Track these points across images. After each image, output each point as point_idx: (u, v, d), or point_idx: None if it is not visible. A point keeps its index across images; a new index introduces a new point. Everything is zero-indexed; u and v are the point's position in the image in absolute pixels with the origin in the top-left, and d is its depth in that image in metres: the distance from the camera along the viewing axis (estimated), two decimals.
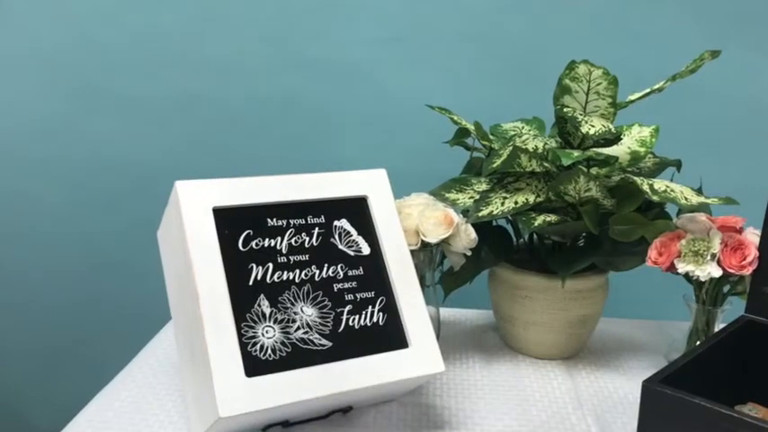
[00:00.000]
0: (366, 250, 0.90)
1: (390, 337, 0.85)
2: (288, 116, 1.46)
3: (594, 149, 0.97)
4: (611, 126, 0.93)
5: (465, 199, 1.01)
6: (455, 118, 1.10)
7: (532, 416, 0.93)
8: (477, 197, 0.99)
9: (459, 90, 1.39)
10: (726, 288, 0.98)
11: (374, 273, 0.88)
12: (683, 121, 1.36)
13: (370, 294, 0.87)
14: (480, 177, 1.04)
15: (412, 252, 0.98)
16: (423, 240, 0.97)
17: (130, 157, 1.49)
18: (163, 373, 1.00)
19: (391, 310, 0.87)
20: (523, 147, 0.95)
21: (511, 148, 0.94)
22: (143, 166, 1.49)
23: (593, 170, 1.03)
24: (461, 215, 1.00)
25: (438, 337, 1.06)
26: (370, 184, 0.93)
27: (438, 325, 1.06)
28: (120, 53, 1.44)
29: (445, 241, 0.99)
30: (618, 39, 1.35)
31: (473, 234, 0.99)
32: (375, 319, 0.86)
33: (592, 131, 0.91)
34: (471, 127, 1.07)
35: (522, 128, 1.13)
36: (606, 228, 0.97)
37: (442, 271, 1.09)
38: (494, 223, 1.09)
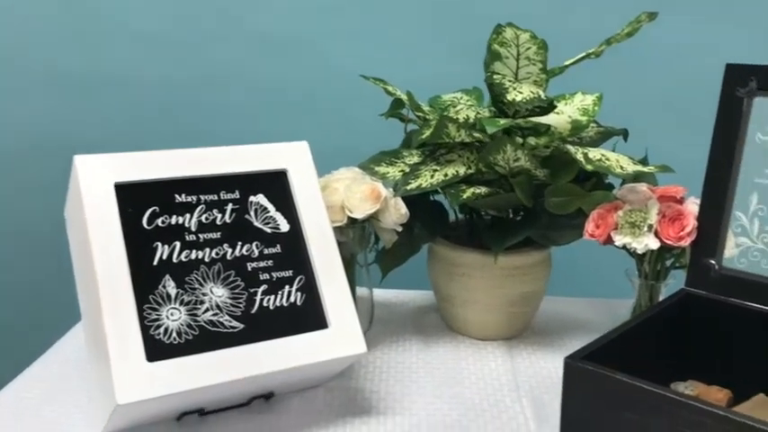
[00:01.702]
0: (284, 227, 0.87)
1: (309, 317, 0.83)
2: (227, 90, 1.42)
3: (526, 118, 0.95)
4: (540, 92, 0.91)
5: (395, 172, 0.98)
6: (390, 88, 1.07)
7: (465, 398, 0.90)
8: (408, 170, 0.96)
9: (407, 61, 1.36)
10: (669, 261, 0.96)
11: (293, 251, 0.86)
12: (636, 91, 1.34)
13: (288, 273, 0.84)
14: (412, 150, 1.01)
15: (341, 229, 0.96)
16: (349, 216, 0.94)
17: (61, 137, 1.44)
18: (77, 363, 0.97)
19: (310, 289, 0.84)
20: (453, 117, 0.92)
21: (438, 117, 0.91)
22: (76, 146, 1.44)
23: (531, 140, 1.00)
24: (392, 189, 0.97)
25: (371, 319, 1.04)
26: (291, 156, 0.90)
27: (371, 307, 1.04)
28: (49, 25, 1.40)
29: (374, 217, 0.96)
30: (571, 4, 1.32)
31: (403, 209, 0.96)
32: (292, 300, 0.83)
33: (519, 98, 0.88)
34: (405, 97, 1.04)
35: (461, 98, 1.10)
36: (543, 200, 0.95)
37: (377, 250, 1.06)
38: (431, 198, 1.07)
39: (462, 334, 1.07)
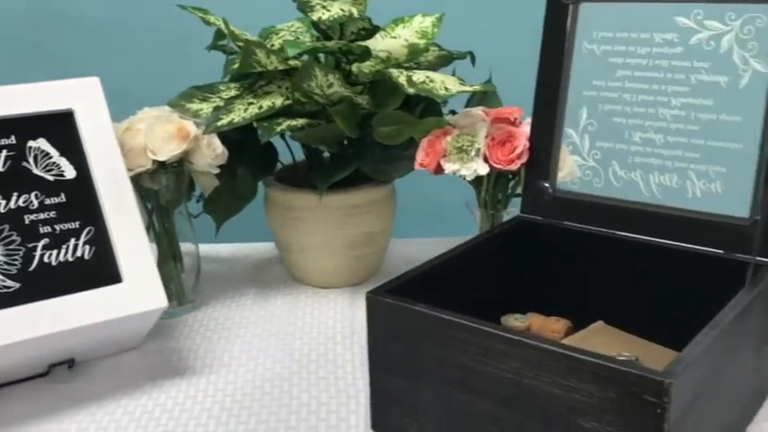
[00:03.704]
0: (70, 174, 0.82)
1: (99, 272, 0.79)
2: (59, 33, 1.34)
3: (354, 42, 0.92)
4: (354, 11, 0.87)
5: (209, 108, 0.93)
6: (211, 18, 1.02)
7: (293, 350, 0.88)
8: (223, 105, 0.93)
9: None
10: (510, 189, 0.95)
11: (80, 200, 0.81)
12: (492, 13, 1.32)
13: (74, 225, 0.80)
14: (230, 83, 0.97)
15: (150, 175, 0.92)
16: (155, 160, 0.89)
17: None
18: None
19: (101, 241, 0.80)
20: (262, 43, 0.88)
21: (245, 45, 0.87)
22: None
23: (364, 67, 0.97)
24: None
25: (198, 274, 1.00)
26: (78, 95, 0.85)
27: (198, 261, 1.00)
28: None
29: (186, 159, 0.92)
30: None
31: (219, 148, 0.92)
32: (79, 254, 0.79)
33: (326, 17, 0.85)
34: (223, 25, 0.99)
35: (291, 26, 1.06)
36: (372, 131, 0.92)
37: (204, 199, 1.02)
38: None
39: (305, 284, 1.05)
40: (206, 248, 1.12)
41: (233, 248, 1.17)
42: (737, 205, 0.72)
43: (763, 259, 0.69)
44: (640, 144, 0.80)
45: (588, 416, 0.57)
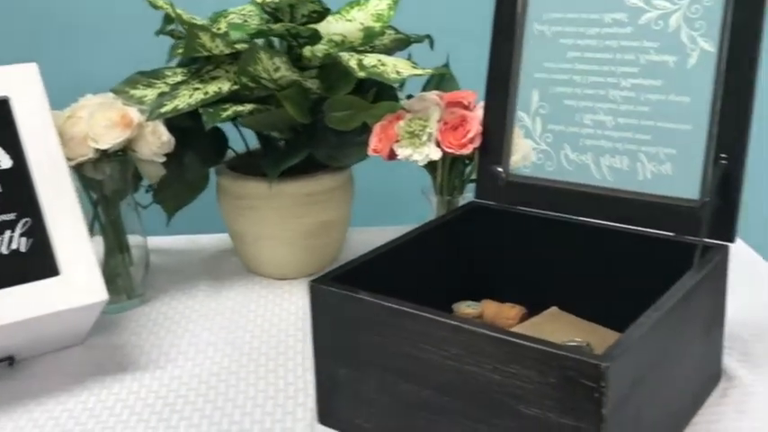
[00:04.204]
0: (6, 164, 0.81)
1: (35, 265, 0.79)
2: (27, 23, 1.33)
3: (305, 25, 0.91)
4: None
5: (154, 95, 0.93)
6: (159, 2, 1.01)
7: (243, 343, 0.88)
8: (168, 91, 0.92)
9: None
10: (465, 175, 0.95)
11: (17, 190, 0.81)
12: None
13: (10, 216, 0.80)
14: (177, 68, 0.96)
15: (94, 164, 0.91)
16: (97, 148, 0.89)
17: None
18: None
19: (38, 233, 0.80)
20: (206, 26, 0.88)
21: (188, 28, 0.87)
22: None
23: (318, 50, 0.96)
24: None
25: (147, 267, 0.99)
26: (14, 82, 0.84)
27: (146, 254, 0.99)
28: None
29: (130, 148, 0.91)
30: None
31: (165, 136, 0.92)
32: (15, 246, 0.78)
33: None
34: (170, 8, 0.98)
35: (242, 10, 1.05)
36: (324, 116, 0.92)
37: (153, 188, 1.01)
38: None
39: (260, 275, 1.05)
40: (160, 241, 1.12)
41: (188, 240, 1.17)
42: (687, 187, 0.73)
43: (711, 241, 0.69)
44: (591, 126, 0.80)
45: (530, 402, 0.57)
